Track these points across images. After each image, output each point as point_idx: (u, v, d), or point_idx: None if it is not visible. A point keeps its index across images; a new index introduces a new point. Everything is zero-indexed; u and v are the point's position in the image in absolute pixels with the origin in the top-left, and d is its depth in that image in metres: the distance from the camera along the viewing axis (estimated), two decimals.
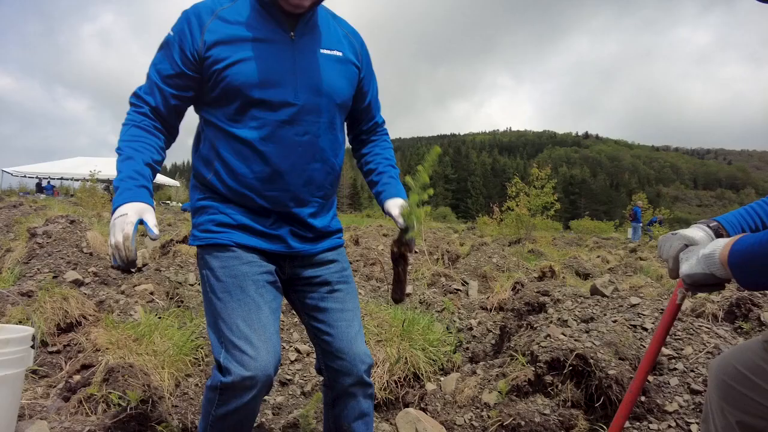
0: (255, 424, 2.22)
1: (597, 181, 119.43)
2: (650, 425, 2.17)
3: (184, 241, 5.94)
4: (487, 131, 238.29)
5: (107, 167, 24.52)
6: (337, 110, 1.62)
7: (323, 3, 1.58)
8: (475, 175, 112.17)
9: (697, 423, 2.09)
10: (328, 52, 1.57)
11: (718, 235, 1.40)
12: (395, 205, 1.65)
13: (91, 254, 5.01)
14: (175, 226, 9.09)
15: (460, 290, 5.80)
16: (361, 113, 1.79)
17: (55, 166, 28.78)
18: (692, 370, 2.35)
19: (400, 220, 1.59)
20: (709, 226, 1.41)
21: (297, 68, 1.51)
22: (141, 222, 1.37)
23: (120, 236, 1.32)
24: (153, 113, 1.52)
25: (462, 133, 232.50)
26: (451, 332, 4.03)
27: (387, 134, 1.91)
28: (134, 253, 1.33)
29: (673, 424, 2.14)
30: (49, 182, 27.74)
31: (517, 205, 11.51)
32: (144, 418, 2.01)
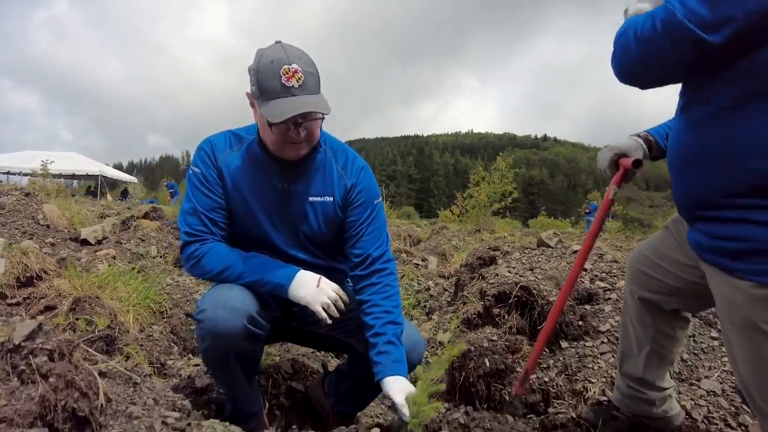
0: None
1: (555, 182, 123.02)
2: (585, 343, 2.40)
3: (146, 216, 5.91)
4: (450, 133, 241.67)
5: (61, 160, 23.45)
6: (324, 248, 1.81)
7: (324, 145, 1.72)
8: (438, 175, 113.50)
9: None
10: (318, 198, 1.71)
11: (647, 141, 1.62)
12: (399, 390, 1.50)
13: (48, 226, 4.92)
14: (135, 209, 8.92)
15: (420, 264, 6.01)
16: (350, 246, 1.75)
17: (1, 160, 27.30)
18: (623, 298, 2.60)
19: (405, 412, 1.43)
20: (639, 135, 1.64)
21: (284, 221, 1.71)
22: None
23: (334, 294, 1.61)
24: (214, 239, 1.66)
25: (425, 135, 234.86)
26: (410, 294, 4.23)
27: (391, 273, 1.75)
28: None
29: (605, 340, 2.38)
30: None
31: (478, 192, 11.96)
32: (112, 340, 2.08)
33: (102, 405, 1.06)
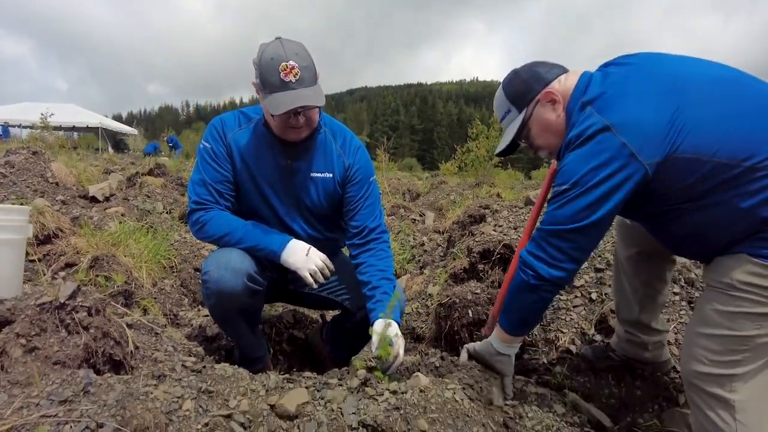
0: None
1: None
2: (561, 297, 2.62)
3: (150, 173, 6.08)
4: (454, 81, 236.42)
5: (60, 112, 23.29)
6: (322, 220, 1.98)
7: (324, 126, 1.88)
8: (441, 125, 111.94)
9: (597, 292, 2.56)
10: (319, 174, 1.89)
11: None
12: (377, 329, 1.69)
13: (57, 184, 5.09)
14: (138, 164, 9.09)
15: (417, 220, 6.21)
16: (348, 219, 1.94)
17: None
18: (599, 256, 2.81)
19: (374, 348, 1.67)
20: None
21: (288, 194, 1.89)
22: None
23: (321, 262, 1.81)
24: (219, 208, 1.84)
25: (429, 83, 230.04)
26: (405, 249, 4.46)
27: (385, 241, 1.95)
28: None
29: (579, 294, 2.60)
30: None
31: (477, 147, 12.02)
32: (129, 295, 2.30)
33: (132, 351, 1.28)
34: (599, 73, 1.49)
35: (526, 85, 1.56)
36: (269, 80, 1.61)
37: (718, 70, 1.39)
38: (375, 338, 1.67)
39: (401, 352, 1.65)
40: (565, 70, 1.58)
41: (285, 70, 1.58)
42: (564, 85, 1.53)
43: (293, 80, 1.60)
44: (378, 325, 1.71)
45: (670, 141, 1.28)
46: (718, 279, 1.39)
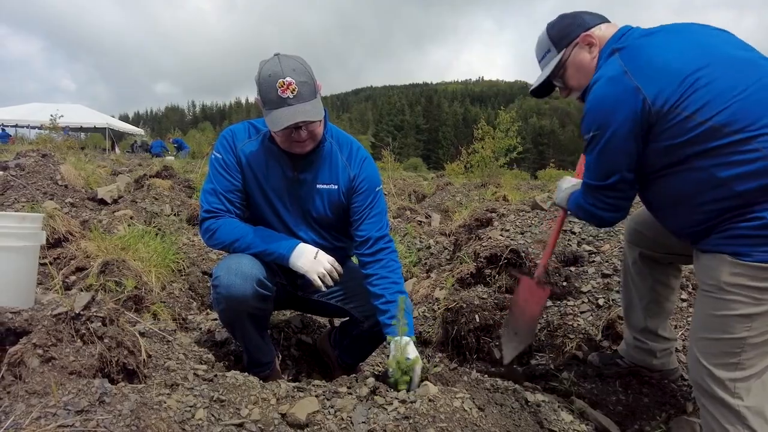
0: None
1: (565, 132, 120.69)
2: (568, 303, 2.63)
3: (157, 175, 6.11)
4: (460, 81, 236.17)
5: (67, 113, 23.46)
6: (329, 229, 2.00)
7: (330, 138, 1.92)
8: (446, 125, 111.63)
9: (604, 298, 2.56)
10: (325, 186, 1.91)
11: None
12: (394, 353, 1.67)
13: (66, 186, 5.14)
14: (145, 165, 9.14)
15: (424, 222, 6.21)
16: (354, 228, 1.95)
17: (8, 113, 27.20)
18: (607, 261, 2.81)
19: (390, 370, 1.64)
20: None
21: (295, 205, 1.92)
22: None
23: (329, 265, 1.82)
24: (230, 216, 1.87)
25: (435, 82, 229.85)
26: (411, 252, 4.47)
27: (393, 251, 1.94)
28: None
29: (586, 300, 2.60)
30: (3, 129, 26.34)
31: (483, 148, 12.02)
32: (140, 300, 2.33)
33: (145, 360, 1.30)
34: (639, 28, 1.54)
35: (569, 27, 1.64)
36: (268, 97, 1.64)
37: (742, 51, 1.41)
38: (391, 370, 1.64)
39: (418, 371, 1.67)
40: (607, 21, 1.64)
41: (282, 86, 1.61)
42: (603, 32, 1.59)
43: (291, 96, 1.62)
44: (395, 352, 1.68)
45: (682, 91, 1.32)
46: (705, 281, 1.41)
